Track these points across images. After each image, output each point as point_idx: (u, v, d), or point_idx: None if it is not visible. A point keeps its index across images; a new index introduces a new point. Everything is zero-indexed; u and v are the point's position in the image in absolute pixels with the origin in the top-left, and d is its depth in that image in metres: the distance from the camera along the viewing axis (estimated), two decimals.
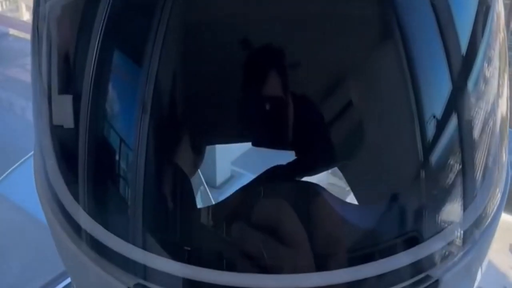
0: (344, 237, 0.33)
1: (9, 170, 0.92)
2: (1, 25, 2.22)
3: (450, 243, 0.33)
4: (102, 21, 0.33)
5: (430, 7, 0.33)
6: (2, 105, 1.87)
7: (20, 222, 0.95)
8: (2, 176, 0.93)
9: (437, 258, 0.33)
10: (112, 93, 0.33)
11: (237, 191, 0.33)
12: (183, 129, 0.33)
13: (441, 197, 0.33)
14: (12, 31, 2.21)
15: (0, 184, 0.93)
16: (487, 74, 0.35)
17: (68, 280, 0.80)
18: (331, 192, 0.33)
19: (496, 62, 0.36)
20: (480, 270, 0.39)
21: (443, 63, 0.34)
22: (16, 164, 0.92)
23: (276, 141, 0.33)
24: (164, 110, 0.33)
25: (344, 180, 0.35)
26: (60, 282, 0.79)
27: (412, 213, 0.33)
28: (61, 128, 0.34)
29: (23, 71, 1.88)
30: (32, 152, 0.96)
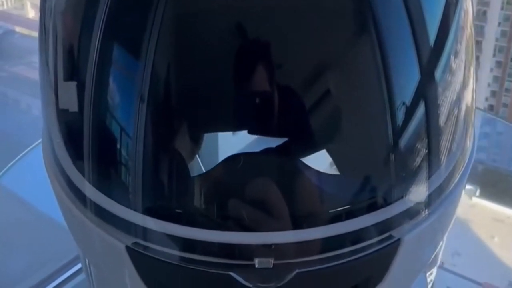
0: (317, 200, 0.38)
1: (11, 163, 0.92)
2: (7, 23, 2.24)
3: (412, 208, 0.38)
4: (102, 15, 0.36)
5: (402, 2, 0.36)
6: (8, 102, 1.88)
7: (23, 214, 0.96)
8: (4, 169, 0.94)
9: (399, 220, 0.38)
10: (112, 78, 0.37)
11: (222, 161, 0.37)
12: (177, 109, 0.38)
13: (407, 167, 0.38)
14: (18, 29, 2.22)
15: (2, 177, 0.94)
16: (454, 66, 0.38)
17: (72, 270, 0.80)
18: (307, 164, 0.37)
19: (462, 56, 0.40)
20: (442, 241, 0.45)
21: (413, 55, 0.37)
22: (18, 156, 0.93)
23: (261, 127, 0.37)
24: (160, 92, 0.36)
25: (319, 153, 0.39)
26: (64, 273, 0.80)
27: (377, 182, 0.38)
28: (67, 111, 0.39)
29: (29, 69, 1.89)
30: (32, 145, 0.95)
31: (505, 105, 12.42)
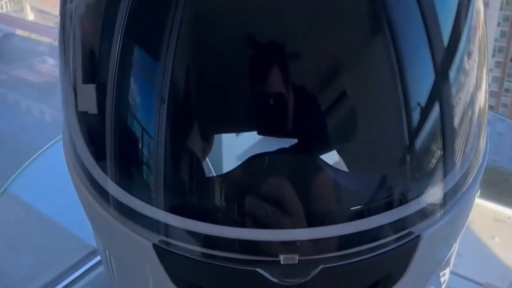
0: (340, 199, 0.39)
1: (20, 169, 0.93)
2: (7, 26, 2.24)
3: (430, 205, 0.39)
4: (123, 17, 0.37)
5: (416, 3, 0.36)
6: (9, 105, 1.88)
7: (31, 220, 0.96)
8: (14, 176, 0.94)
9: (417, 218, 0.38)
10: (133, 79, 0.38)
11: (247, 160, 0.38)
12: (199, 109, 0.38)
13: (423, 166, 0.38)
14: (18, 31, 2.22)
15: (12, 183, 0.94)
16: (467, 66, 0.39)
17: (77, 274, 0.81)
18: (327, 163, 0.38)
19: (475, 56, 0.40)
20: (456, 243, 0.46)
21: (427, 55, 0.37)
22: (27, 163, 0.93)
23: (283, 127, 0.37)
24: (180, 92, 0.37)
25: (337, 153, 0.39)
26: (68, 276, 0.81)
27: (396, 180, 0.39)
28: (88, 113, 0.39)
29: (29, 71, 1.89)
30: (40, 151, 0.96)
31: (504, 105, 12.42)
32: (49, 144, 0.92)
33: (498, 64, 12.50)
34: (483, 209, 1.37)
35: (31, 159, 0.95)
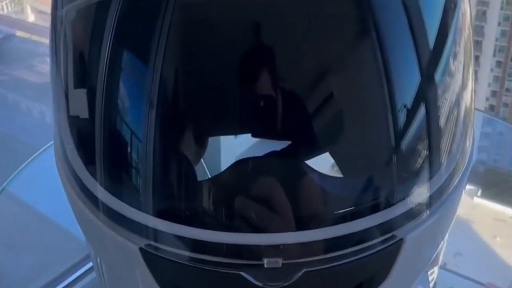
0: (323, 202, 0.39)
1: (19, 169, 0.93)
2: (7, 27, 2.24)
3: (413, 209, 0.39)
4: (112, 22, 0.37)
5: (402, 6, 0.37)
6: (9, 106, 1.88)
7: (30, 220, 0.96)
8: (12, 175, 0.94)
9: (401, 221, 0.39)
10: (123, 84, 0.38)
11: (232, 165, 0.38)
12: (187, 113, 0.38)
13: (409, 168, 0.39)
14: (18, 33, 2.22)
15: (10, 183, 0.94)
16: (453, 68, 0.39)
17: (76, 274, 0.82)
18: (313, 167, 0.38)
19: (461, 57, 0.40)
20: (443, 241, 0.46)
21: (413, 58, 0.38)
22: (25, 163, 0.93)
23: (269, 130, 0.38)
24: (169, 97, 0.37)
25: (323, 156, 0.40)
26: (68, 277, 0.81)
27: (381, 183, 0.39)
28: (78, 117, 0.40)
29: (29, 72, 1.89)
30: (39, 151, 0.96)
31: (505, 105, 12.40)
32: (48, 144, 0.92)
33: (498, 63, 12.48)
34: (484, 209, 1.37)
35: (30, 159, 0.95)
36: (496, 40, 12.19)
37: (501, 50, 12.36)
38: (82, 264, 0.83)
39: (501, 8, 11.80)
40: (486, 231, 1.33)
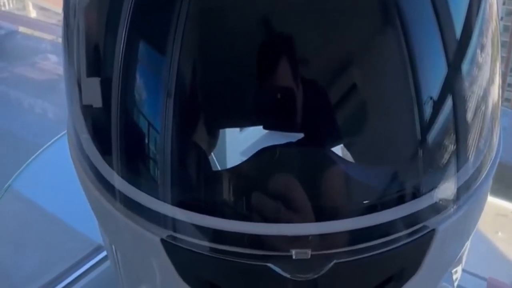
0: (352, 192, 0.38)
1: (23, 167, 0.93)
2: (10, 23, 2.23)
3: (443, 200, 0.38)
4: (128, 9, 0.36)
5: None
6: (11, 103, 1.89)
7: (35, 217, 0.97)
8: (17, 173, 0.94)
9: (431, 211, 0.38)
10: (139, 73, 0.37)
11: (257, 153, 0.37)
12: (203, 105, 0.37)
13: (436, 160, 0.38)
14: (21, 29, 2.22)
15: (15, 180, 0.94)
16: (480, 60, 0.38)
17: (81, 270, 0.82)
18: (338, 156, 0.37)
19: (488, 49, 0.39)
20: (468, 240, 0.45)
21: (439, 49, 0.37)
22: (30, 160, 0.93)
23: (293, 122, 0.36)
24: (187, 86, 0.36)
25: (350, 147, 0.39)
26: (73, 273, 0.81)
27: (410, 174, 0.38)
28: (92, 107, 0.39)
29: (32, 69, 1.89)
30: (42, 148, 0.96)
31: (507, 100, 12.39)
32: (52, 141, 0.92)
33: (501, 59, 12.47)
34: (487, 204, 1.37)
35: (34, 156, 0.95)
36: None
37: (503, 46, 12.34)
38: (86, 260, 0.83)
39: (504, 3, 11.78)
40: (488, 226, 1.33)
